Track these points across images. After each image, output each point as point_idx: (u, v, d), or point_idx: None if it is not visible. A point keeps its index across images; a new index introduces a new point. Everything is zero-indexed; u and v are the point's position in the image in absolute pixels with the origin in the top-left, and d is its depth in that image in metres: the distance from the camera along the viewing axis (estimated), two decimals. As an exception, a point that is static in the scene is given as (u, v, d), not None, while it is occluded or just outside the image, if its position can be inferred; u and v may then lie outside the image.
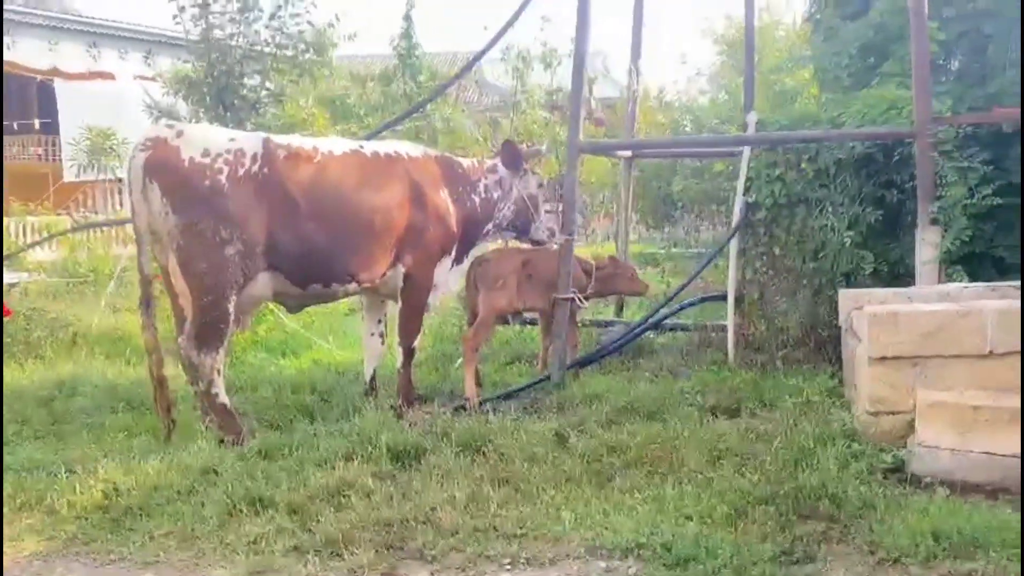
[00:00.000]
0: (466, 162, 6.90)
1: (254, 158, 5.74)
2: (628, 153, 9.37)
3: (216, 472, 5.02)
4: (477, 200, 6.76)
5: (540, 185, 7.16)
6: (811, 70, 10.07)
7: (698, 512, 4.37)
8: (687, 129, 13.56)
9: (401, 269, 6.34)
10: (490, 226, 6.93)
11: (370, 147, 6.45)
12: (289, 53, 10.00)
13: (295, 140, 6.18)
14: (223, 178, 5.62)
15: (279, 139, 6.04)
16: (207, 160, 5.62)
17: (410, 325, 6.50)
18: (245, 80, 9.27)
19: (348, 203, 6.00)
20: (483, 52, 8.63)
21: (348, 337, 9.06)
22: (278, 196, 5.75)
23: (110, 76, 23.70)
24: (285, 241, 5.79)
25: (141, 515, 4.60)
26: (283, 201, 5.77)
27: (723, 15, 27.72)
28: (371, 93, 18.30)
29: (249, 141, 5.85)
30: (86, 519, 4.58)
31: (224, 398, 5.80)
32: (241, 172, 5.68)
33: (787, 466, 4.82)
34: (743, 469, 4.87)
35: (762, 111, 8.01)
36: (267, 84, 9.68)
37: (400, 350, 6.50)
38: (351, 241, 6.02)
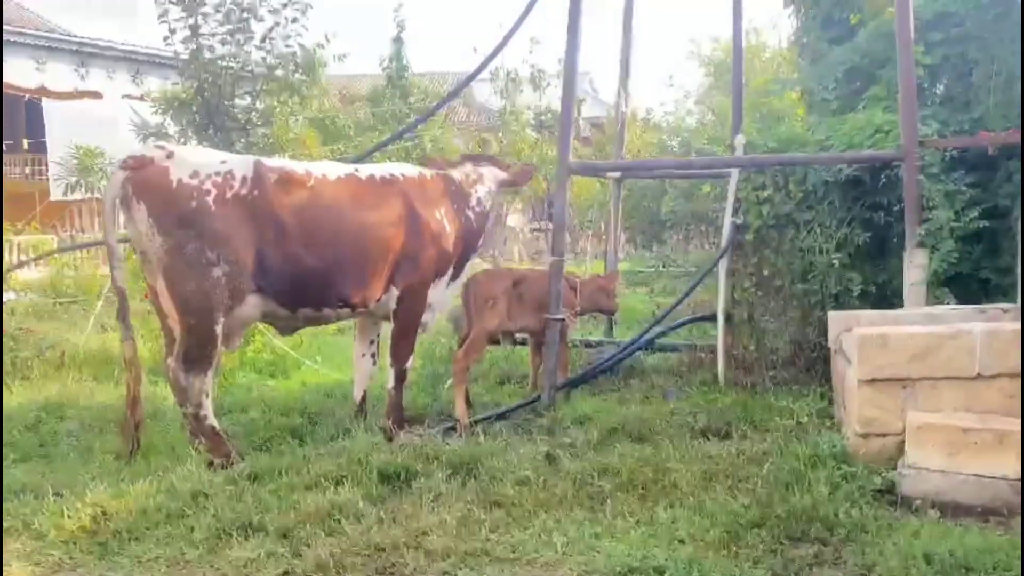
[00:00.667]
0: (457, 176, 6.81)
1: (243, 180, 5.70)
2: (617, 174, 9.41)
3: (205, 495, 4.97)
4: (472, 215, 6.74)
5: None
6: (798, 93, 10.12)
7: (690, 535, 4.36)
8: (674, 150, 13.65)
9: (395, 292, 6.32)
10: (483, 239, 6.97)
11: (365, 171, 6.41)
12: (279, 74, 10.02)
13: (288, 164, 6.16)
14: (210, 200, 5.57)
15: (271, 162, 6.02)
16: (195, 181, 5.58)
17: (402, 346, 6.49)
18: (236, 101, 9.27)
19: (340, 229, 5.96)
20: (474, 74, 8.68)
21: (337, 358, 9.03)
22: (267, 219, 5.71)
23: (98, 95, 23.70)
24: (274, 265, 5.75)
25: (130, 539, 4.54)
26: (273, 224, 5.73)
27: (710, 37, 27.97)
28: (360, 113, 18.37)
29: (239, 163, 5.81)
30: (74, 543, 4.51)
31: (212, 420, 5.77)
32: (229, 194, 5.63)
33: (778, 488, 4.82)
34: (735, 492, 4.86)
35: (749, 133, 8.04)
36: (257, 105, 9.68)
37: (391, 371, 6.49)
38: (343, 267, 5.97)
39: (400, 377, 6.50)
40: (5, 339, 8.65)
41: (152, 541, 4.52)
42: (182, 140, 10.35)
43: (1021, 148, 6.44)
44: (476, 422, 6.48)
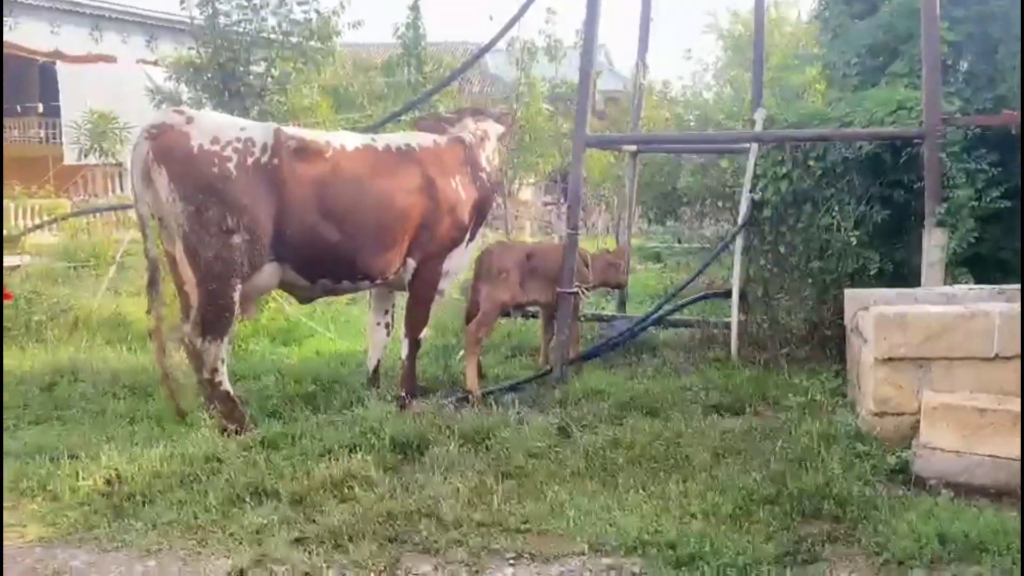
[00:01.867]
0: (467, 138, 6.74)
1: (264, 148, 5.68)
2: (633, 148, 9.34)
3: (219, 461, 5.03)
4: (484, 176, 6.71)
5: None
6: (818, 68, 10.02)
7: (702, 510, 4.37)
8: (691, 125, 13.53)
9: (411, 263, 6.35)
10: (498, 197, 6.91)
11: (382, 141, 6.39)
12: (294, 40, 9.95)
13: (307, 133, 6.14)
14: (231, 166, 5.56)
15: (290, 131, 6.00)
16: (216, 147, 5.56)
17: (417, 316, 6.51)
18: (251, 67, 9.22)
19: (359, 199, 5.95)
20: (490, 44, 8.61)
21: (350, 326, 9.05)
22: (287, 188, 5.71)
23: (112, 59, 23.65)
24: (293, 234, 5.75)
25: (144, 503, 4.59)
26: (292, 193, 5.72)
27: (728, 10, 27.67)
28: (374, 82, 18.23)
29: (259, 131, 5.80)
30: (88, 506, 4.57)
31: (227, 386, 5.80)
32: (250, 161, 5.62)
33: (791, 465, 4.82)
34: (747, 468, 4.87)
35: (769, 108, 7.96)
36: (272, 71, 9.62)
37: (405, 341, 6.50)
38: (362, 238, 5.98)
39: (414, 346, 6.51)
40: (19, 302, 8.70)
41: (166, 505, 4.56)
42: (196, 106, 10.31)
43: (1021, 138, 6.37)
44: (488, 394, 6.50)
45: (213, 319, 5.64)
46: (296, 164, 5.76)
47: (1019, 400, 4.75)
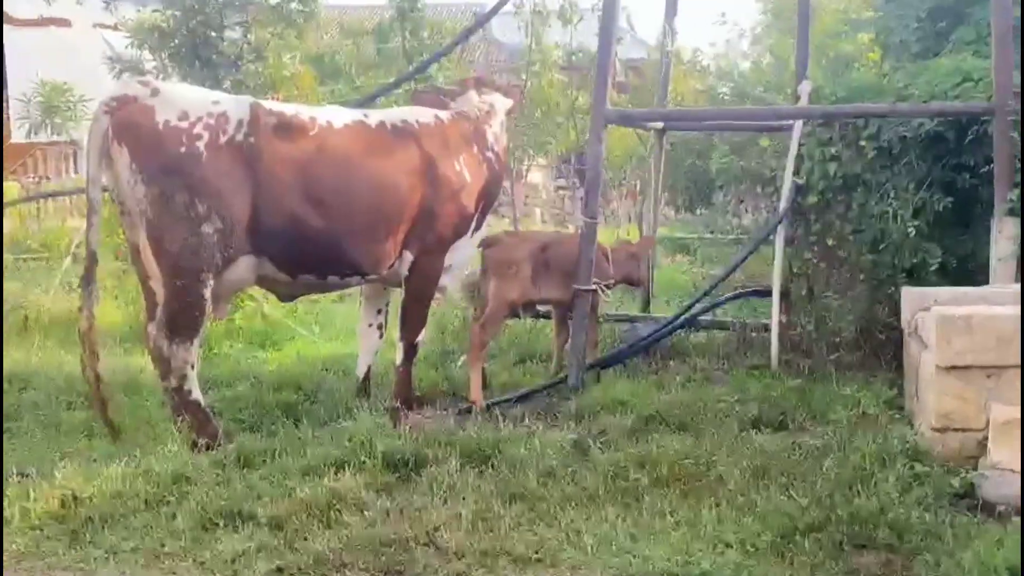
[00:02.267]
0: (472, 112, 6.75)
1: (239, 124, 5.66)
2: (660, 125, 9.33)
3: (188, 480, 5.04)
4: (492, 156, 6.73)
5: None
6: (872, 34, 9.99)
7: (739, 539, 4.37)
8: (726, 99, 13.51)
9: (408, 257, 6.35)
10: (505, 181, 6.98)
11: (375, 116, 6.38)
12: (273, 2, 9.98)
13: (289, 107, 6.13)
14: (201, 145, 5.54)
15: (270, 105, 5.99)
16: (184, 124, 5.54)
17: (414, 318, 6.52)
18: (225, 32, 9.24)
19: (348, 183, 5.94)
20: (498, 7, 8.60)
21: (337, 328, 9.08)
22: (265, 170, 5.69)
23: (65, 23, 23.66)
24: (272, 223, 5.74)
25: (104, 527, 4.60)
26: (271, 176, 5.70)
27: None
28: (364, 50, 18.22)
29: (234, 105, 5.77)
30: (40, 530, 4.58)
31: (198, 395, 5.78)
32: (223, 140, 5.60)
33: (840, 488, 4.81)
34: (790, 491, 4.85)
35: (816, 80, 7.95)
36: (248, 37, 9.64)
37: (400, 344, 6.49)
38: (351, 228, 5.96)
39: (410, 352, 6.51)
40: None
41: (128, 530, 4.58)
42: (162, 76, 10.32)
43: (1021, 128, 6.35)
44: (493, 405, 6.50)
45: (181, 319, 5.61)
46: (276, 143, 5.73)
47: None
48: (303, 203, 5.79)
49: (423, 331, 6.63)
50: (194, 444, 5.56)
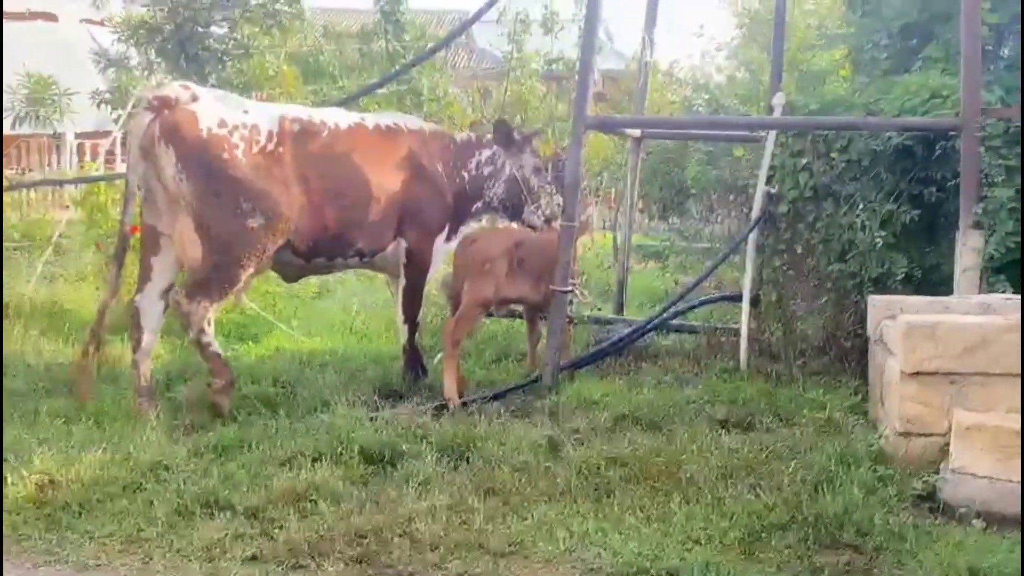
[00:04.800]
0: (460, 136, 7.39)
1: (269, 135, 6.27)
2: (638, 132, 9.34)
3: (166, 468, 5.02)
4: (467, 176, 7.25)
5: (537, 169, 7.54)
6: (844, 50, 10.07)
7: (707, 535, 4.38)
8: (700, 109, 13.57)
9: (403, 244, 6.91)
10: (479, 204, 7.36)
11: (371, 119, 7.02)
12: (260, 1, 9.93)
13: (305, 114, 6.67)
14: (239, 153, 6.12)
15: (292, 114, 6.55)
16: (224, 131, 6.12)
17: (412, 300, 7.08)
18: (212, 29, 9.18)
19: (353, 177, 6.56)
20: (481, 12, 8.59)
21: (315, 323, 9.01)
22: (290, 172, 6.30)
23: (52, 17, 23.44)
24: (295, 217, 6.31)
25: (80, 512, 4.57)
26: (295, 177, 6.31)
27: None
28: (347, 52, 18.14)
29: (264, 117, 6.35)
30: (18, 515, 4.53)
31: (216, 347, 6.28)
32: (256, 148, 6.20)
33: (806, 489, 4.83)
34: (757, 490, 4.87)
35: (789, 93, 7.99)
36: (235, 35, 9.58)
37: (404, 327, 7.08)
38: (355, 215, 6.58)
39: (413, 329, 7.10)
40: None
41: (106, 516, 4.55)
42: (147, 72, 10.24)
43: (1021, 136, 6.42)
44: (469, 402, 6.47)
45: (212, 285, 6.14)
46: (299, 147, 6.37)
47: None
48: (318, 196, 6.40)
49: (421, 311, 7.17)
50: (209, 385, 6.15)
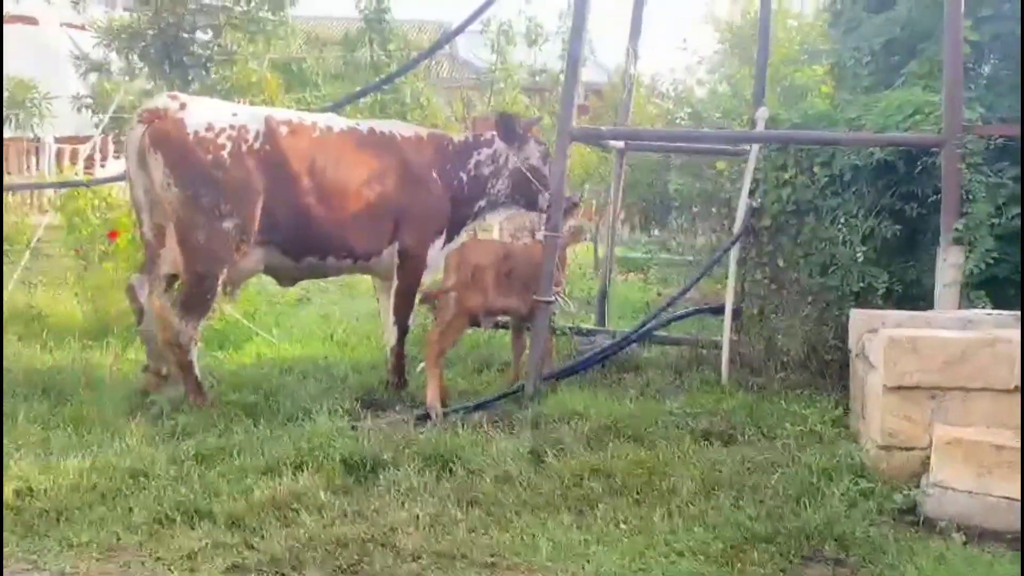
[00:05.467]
0: (457, 138, 7.47)
1: (256, 135, 6.40)
2: (621, 144, 9.36)
3: (146, 475, 4.97)
4: (464, 177, 7.31)
5: (545, 155, 7.56)
6: (826, 66, 10.13)
7: (690, 547, 4.38)
8: (683, 123, 13.61)
9: (396, 248, 7.00)
10: (482, 203, 7.43)
11: (366, 125, 7.15)
12: (244, 8, 9.89)
13: (295, 115, 6.83)
14: (225, 154, 6.28)
15: (280, 115, 6.73)
16: (210, 135, 6.28)
17: (404, 304, 7.14)
18: (197, 35, 9.14)
19: (344, 180, 6.67)
20: (466, 23, 8.64)
21: (295, 330, 8.97)
22: (276, 173, 6.42)
23: (33, 21, 23.29)
24: (281, 218, 6.47)
25: (59, 519, 4.52)
26: (281, 178, 6.44)
27: (726, -2, 27.82)
28: (330, 59, 18.13)
29: (251, 118, 6.51)
30: (-7, 522, 4.47)
31: (196, 370, 6.43)
32: (243, 148, 6.34)
33: (789, 501, 4.85)
34: (740, 502, 4.88)
35: (771, 107, 8.02)
36: (219, 41, 9.55)
37: (394, 329, 7.14)
38: (346, 217, 6.68)
39: (403, 333, 7.16)
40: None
41: (84, 523, 4.50)
42: (127, 76, 10.18)
43: (1021, 147, 6.49)
44: (452, 411, 6.46)
45: (197, 300, 6.35)
46: (286, 149, 6.49)
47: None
48: (306, 198, 6.53)
49: (412, 315, 7.23)
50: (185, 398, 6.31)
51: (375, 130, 7.08)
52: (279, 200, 6.45)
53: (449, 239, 7.28)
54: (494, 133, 7.44)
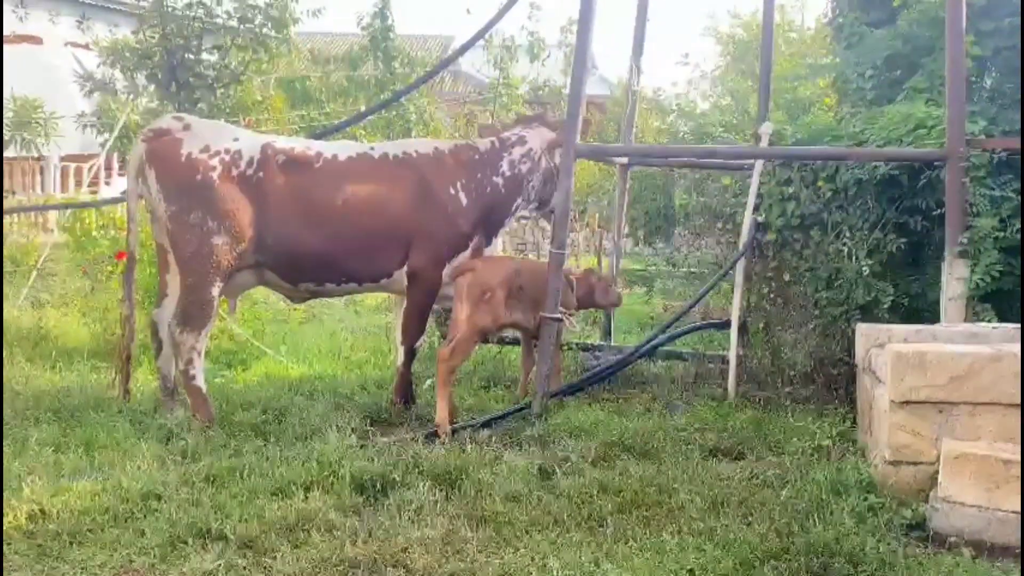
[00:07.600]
0: (483, 144, 7.33)
1: (250, 161, 6.54)
2: (624, 160, 9.40)
3: (158, 497, 4.97)
4: (500, 181, 7.20)
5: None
6: (828, 80, 10.17)
7: (700, 565, 4.38)
8: (686, 137, 13.67)
9: (407, 270, 6.94)
10: (519, 201, 7.38)
11: (379, 149, 7.13)
12: (251, 27, 9.95)
13: (297, 145, 6.87)
14: (214, 175, 6.43)
15: (280, 144, 6.77)
16: (204, 156, 6.45)
17: (413, 325, 7.08)
18: (203, 55, 9.21)
19: (342, 209, 6.67)
20: (472, 42, 8.67)
21: (303, 349, 8.99)
22: (267, 199, 6.53)
23: (37, 40, 23.41)
24: (272, 243, 6.56)
25: (71, 542, 4.52)
26: (272, 204, 6.54)
27: (729, 12, 27.94)
28: (334, 76, 18.19)
29: (249, 145, 6.62)
30: (9, 545, 4.48)
31: (200, 381, 6.55)
32: (235, 172, 6.49)
33: (798, 518, 4.86)
34: (749, 519, 4.90)
35: (776, 121, 8.07)
36: (225, 61, 9.62)
37: (401, 348, 7.09)
38: (344, 246, 6.71)
39: (409, 355, 7.08)
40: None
41: (97, 546, 4.49)
42: (131, 96, 10.24)
43: (1021, 156, 6.52)
44: (460, 428, 6.48)
45: (193, 311, 6.48)
46: (279, 176, 6.60)
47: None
48: (299, 226, 6.58)
49: (422, 338, 7.16)
50: (193, 416, 6.42)
51: (388, 154, 7.03)
52: (268, 227, 6.53)
53: (488, 242, 7.23)
54: (522, 133, 7.38)
